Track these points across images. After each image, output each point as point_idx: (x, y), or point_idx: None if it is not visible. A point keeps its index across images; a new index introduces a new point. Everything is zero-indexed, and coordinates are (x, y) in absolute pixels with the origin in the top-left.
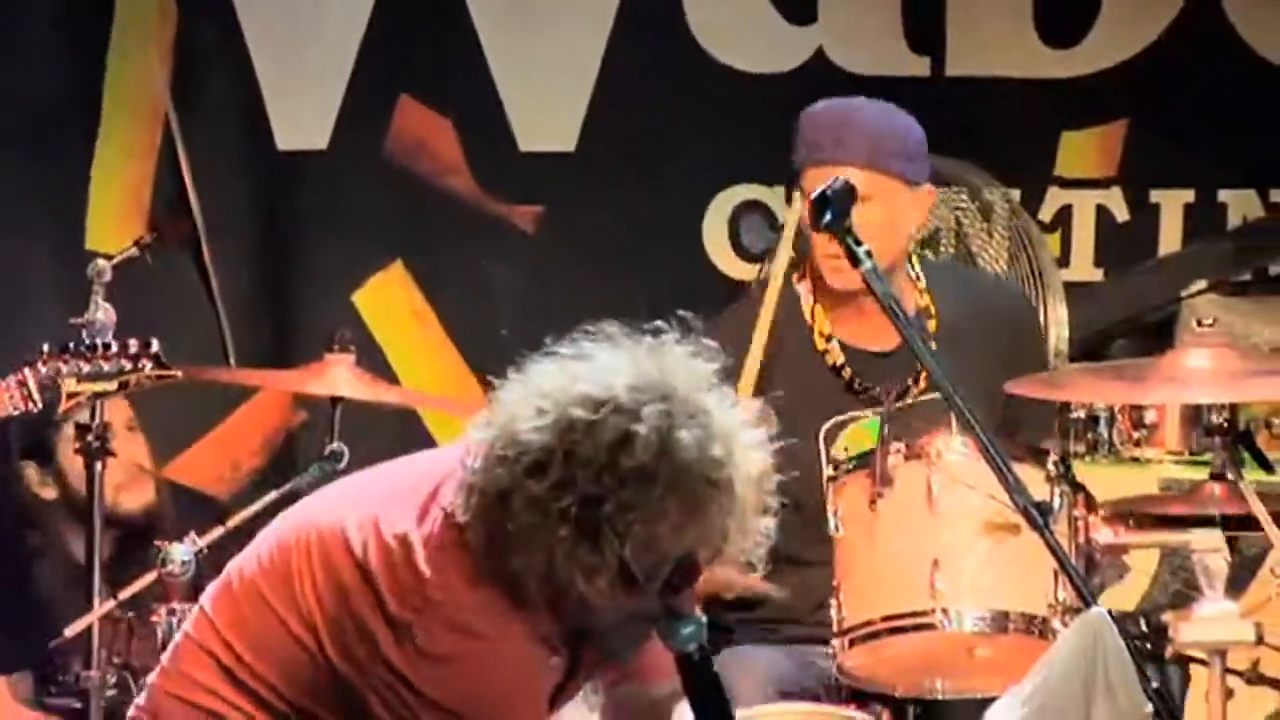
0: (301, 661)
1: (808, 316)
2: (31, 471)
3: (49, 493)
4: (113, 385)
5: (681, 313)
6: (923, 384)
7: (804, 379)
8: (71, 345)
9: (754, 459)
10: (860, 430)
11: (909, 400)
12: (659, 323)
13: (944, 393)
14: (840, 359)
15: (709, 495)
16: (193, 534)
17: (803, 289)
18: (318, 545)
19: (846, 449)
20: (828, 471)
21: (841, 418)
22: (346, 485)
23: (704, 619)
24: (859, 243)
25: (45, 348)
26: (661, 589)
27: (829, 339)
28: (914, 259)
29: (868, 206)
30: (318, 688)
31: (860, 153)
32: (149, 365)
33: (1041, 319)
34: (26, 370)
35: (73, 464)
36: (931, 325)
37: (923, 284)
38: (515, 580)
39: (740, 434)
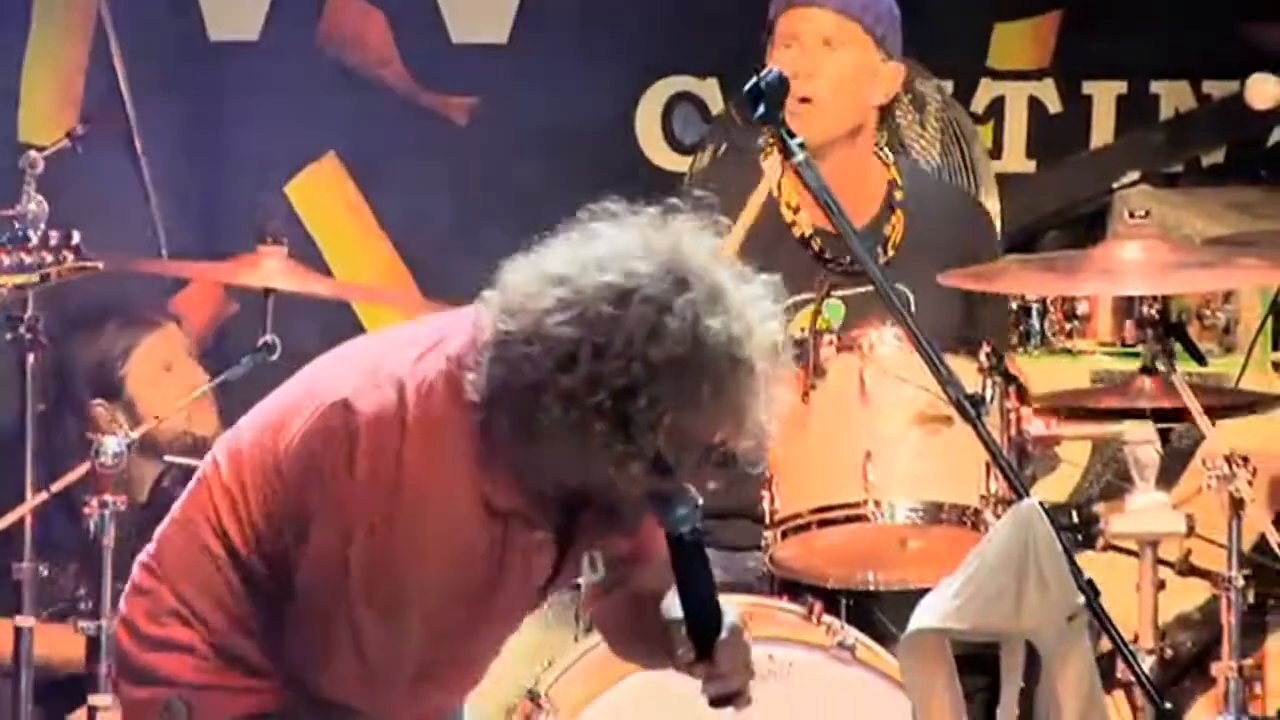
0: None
1: (775, 190)
2: None
3: None
4: (34, 277)
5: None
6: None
7: (771, 250)
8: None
9: (771, 331)
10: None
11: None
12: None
13: (874, 279)
14: (808, 230)
15: (736, 377)
16: (125, 426)
17: (770, 164)
18: (311, 404)
19: (803, 330)
20: None
21: (799, 297)
22: (346, 349)
23: (699, 500)
24: (792, 135)
25: None
26: (690, 473)
27: (796, 210)
28: (884, 146)
29: (837, 54)
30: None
31: None
32: (70, 257)
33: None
34: None
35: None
36: (899, 217)
37: (895, 168)
38: (534, 465)
39: (756, 308)
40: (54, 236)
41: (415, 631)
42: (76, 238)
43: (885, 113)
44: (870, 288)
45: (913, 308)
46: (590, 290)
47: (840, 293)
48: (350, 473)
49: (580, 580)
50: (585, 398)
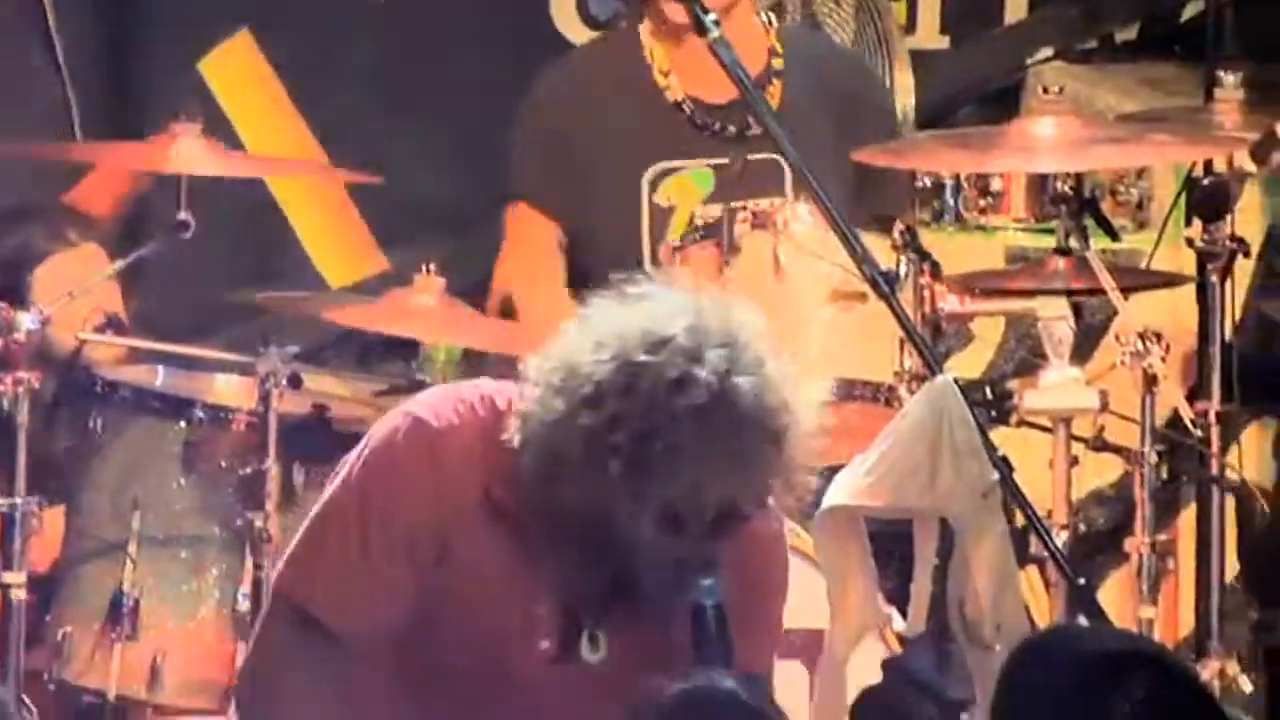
0: None
1: (648, 56)
2: None
3: None
4: None
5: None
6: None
7: (641, 114)
8: None
9: (809, 415)
10: (685, 181)
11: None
12: None
13: (788, 158)
14: (680, 95)
15: (760, 444)
16: (39, 303)
17: (644, 30)
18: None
19: (670, 199)
20: (673, 241)
21: (669, 164)
22: None
23: (722, 575)
24: (706, 10)
25: None
26: (701, 534)
27: (668, 75)
28: (766, 11)
29: None
30: None
31: None
32: None
33: (889, 90)
34: None
35: None
36: (777, 86)
37: (774, 34)
38: (559, 510)
39: (798, 389)
40: None
41: (346, 557)
42: None
43: None
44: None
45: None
46: (629, 335)
47: (710, 161)
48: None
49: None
50: (606, 435)
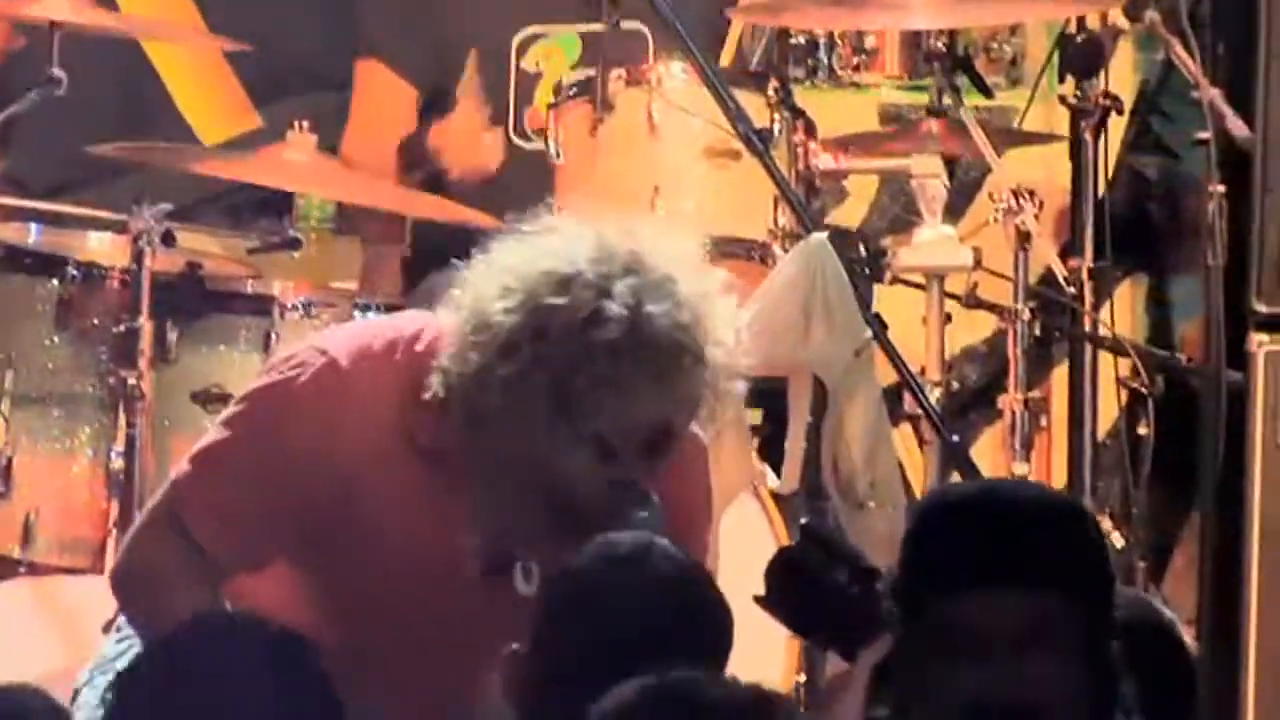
0: None
1: None
2: None
3: None
4: None
5: None
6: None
7: None
8: None
9: (725, 324)
10: (552, 47)
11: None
12: None
13: (660, 14)
14: None
15: (681, 365)
16: None
17: None
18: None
19: (537, 64)
20: (546, 99)
21: (537, 29)
22: None
23: (658, 505)
24: None
25: None
26: (634, 460)
27: None
28: None
29: None
30: None
31: None
32: None
33: None
34: None
35: None
36: None
37: None
38: (489, 454)
39: (710, 300)
40: None
41: (240, 483)
42: None
43: None
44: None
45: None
46: (534, 278)
47: (578, 27)
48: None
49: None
50: (525, 381)
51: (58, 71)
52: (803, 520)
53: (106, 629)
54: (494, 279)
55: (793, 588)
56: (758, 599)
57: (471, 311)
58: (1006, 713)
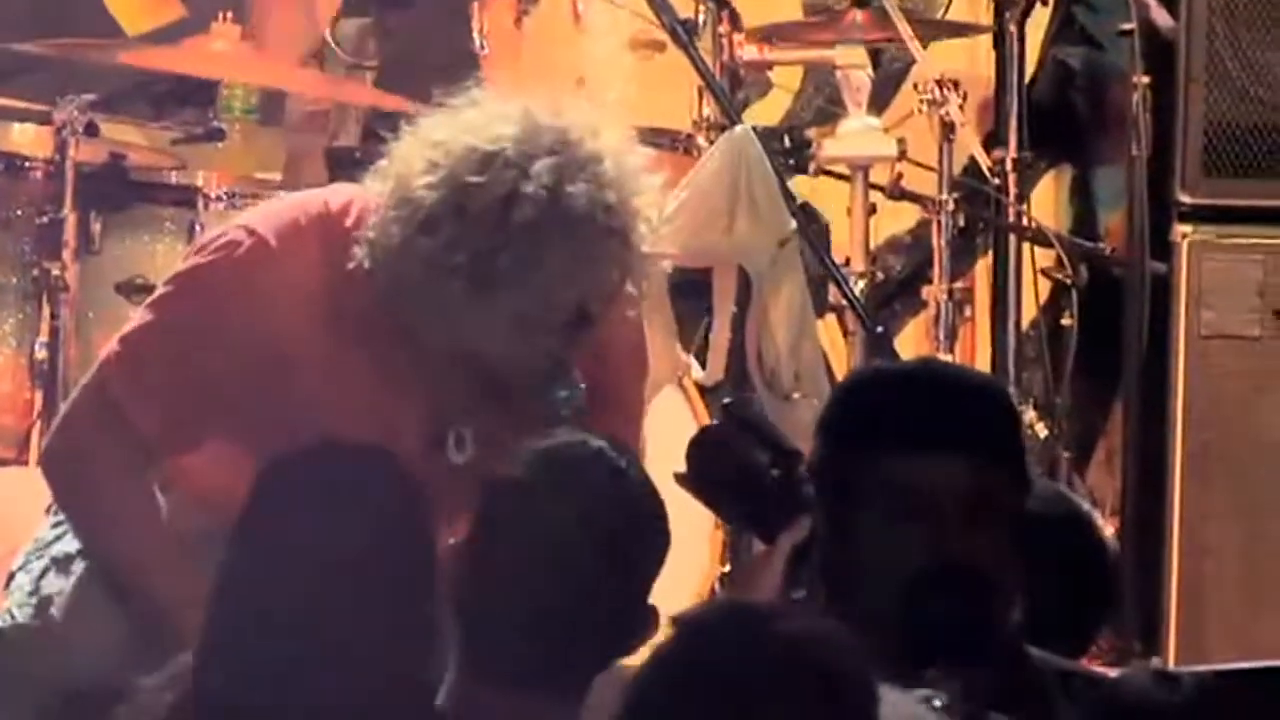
0: None
1: None
2: None
3: None
4: None
5: None
6: None
7: None
8: None
9: (648, 204)
10: None
11: None
12: None
13: None
14: None
15: (602, 245)
16: None
17: None
18: None
19: None
20: None
21: None
22: None
23: (581, 385)
24: None
25: None
26: (560, 336)
27: None
28: None
29: None
30: None
31: None
32: None
33: None
34: None
35: None
36: None
37: None
38: (416, 327)
39: (635, 179)
40: None
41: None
42: None
43: None
44: None
45: None
46: (458, 154)
47: None
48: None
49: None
50: (444, 258)
51: None
52: (725, 400)
53: (48, 512)
54: (419, 152)
55: (714, 467)
56: (678, 476)
57: (396, 184)
58: (958, 576)
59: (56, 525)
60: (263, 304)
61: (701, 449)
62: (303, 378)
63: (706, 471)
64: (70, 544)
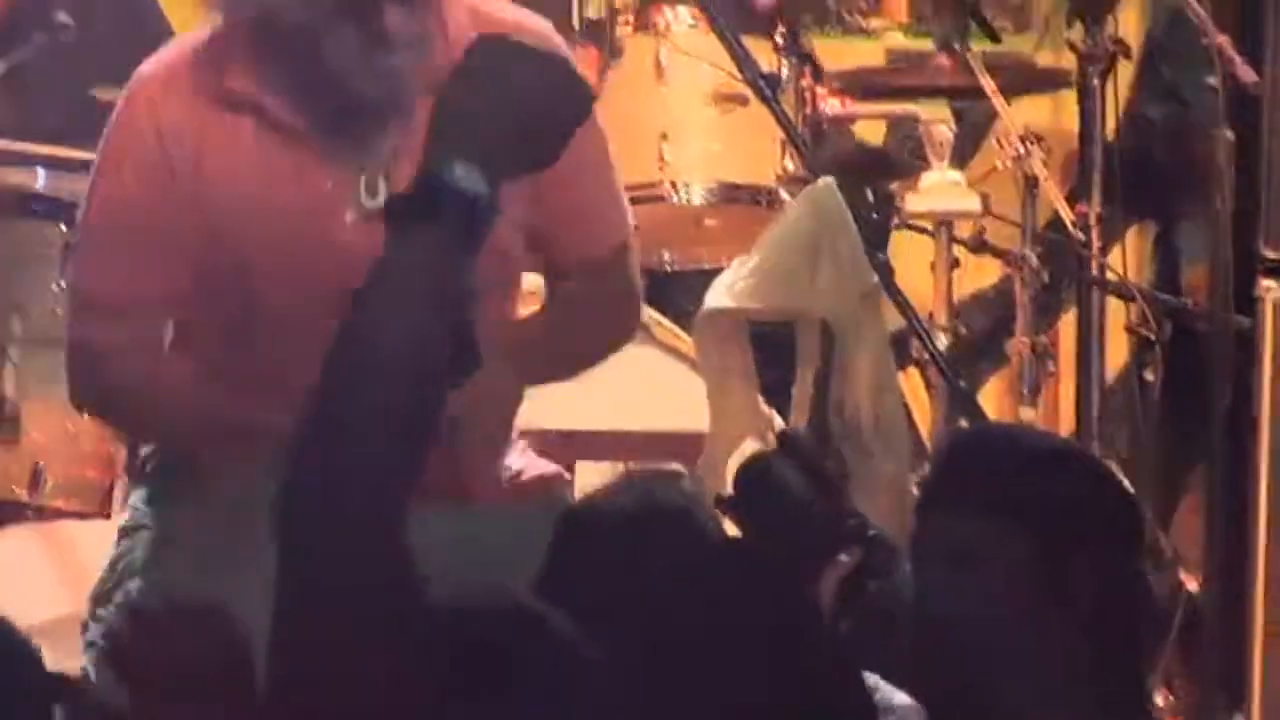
0: None
1: None
2: None
3: None
4: None
5: None
6: None
7: None
8: None
9: None
10: None
11: None
12: None
13: None
14: None
15: None
16: None
17: None
18: None
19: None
20: None
21: None
22: None
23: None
24: None
25: None
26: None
27: None
28: None
29: None
30: None
31: None
32: None
33: None
34: None
35: None
36: None
37: None
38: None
39: None
40: None
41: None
42: None
43: None
44: None
45: None
46: None
47: None
48: None
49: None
50: None
51: (63, 17)
52: (781, 428)
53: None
54: None
55: (757, 495)
56: (719, 502)
57: None
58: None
59: (108, 573)
60: (155, 129)
61: (746, 476)
62: (222, 187)
63: (750, 500)
64: (133, 584)
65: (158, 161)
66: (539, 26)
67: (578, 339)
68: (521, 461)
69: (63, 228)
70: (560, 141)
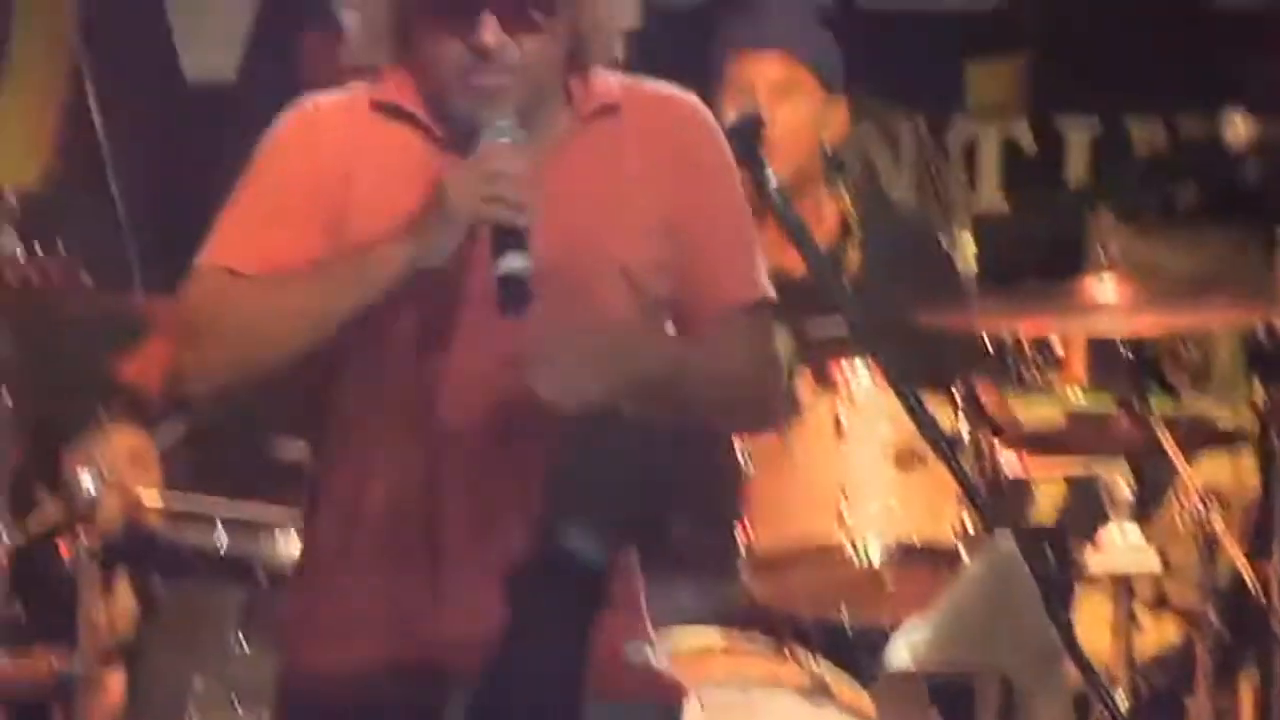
0: None
1: None
2: None
3: None
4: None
5: None
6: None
7: None
8: None
9: None
10: None
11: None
12: None
13: (849, 319)
14: None
15: None
16: (98, 462)
17: None
18: None
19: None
20: None
21: None
22: None
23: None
24: (767, 175)
25: None
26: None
27: None
28: (840, 181)
29: (787, 98)
30: None
31: (784, 40)
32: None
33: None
34: None
35: None
36: (848, 251)
37: (845, 200)
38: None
39: None
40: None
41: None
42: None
43: (833, 151)
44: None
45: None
46: None
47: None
48: None
49: None
50: None
51: None
52: None
53: None
54: None
55: None
56: None
57: None
58: None
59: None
60: (305, 137)
61: None
62: (374, 202)
63: None
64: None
65: (314, 165)
66: (687, 99)
67: (714, 380)
68: (651, 657)
69: (242, 586)
70: (669, 514)
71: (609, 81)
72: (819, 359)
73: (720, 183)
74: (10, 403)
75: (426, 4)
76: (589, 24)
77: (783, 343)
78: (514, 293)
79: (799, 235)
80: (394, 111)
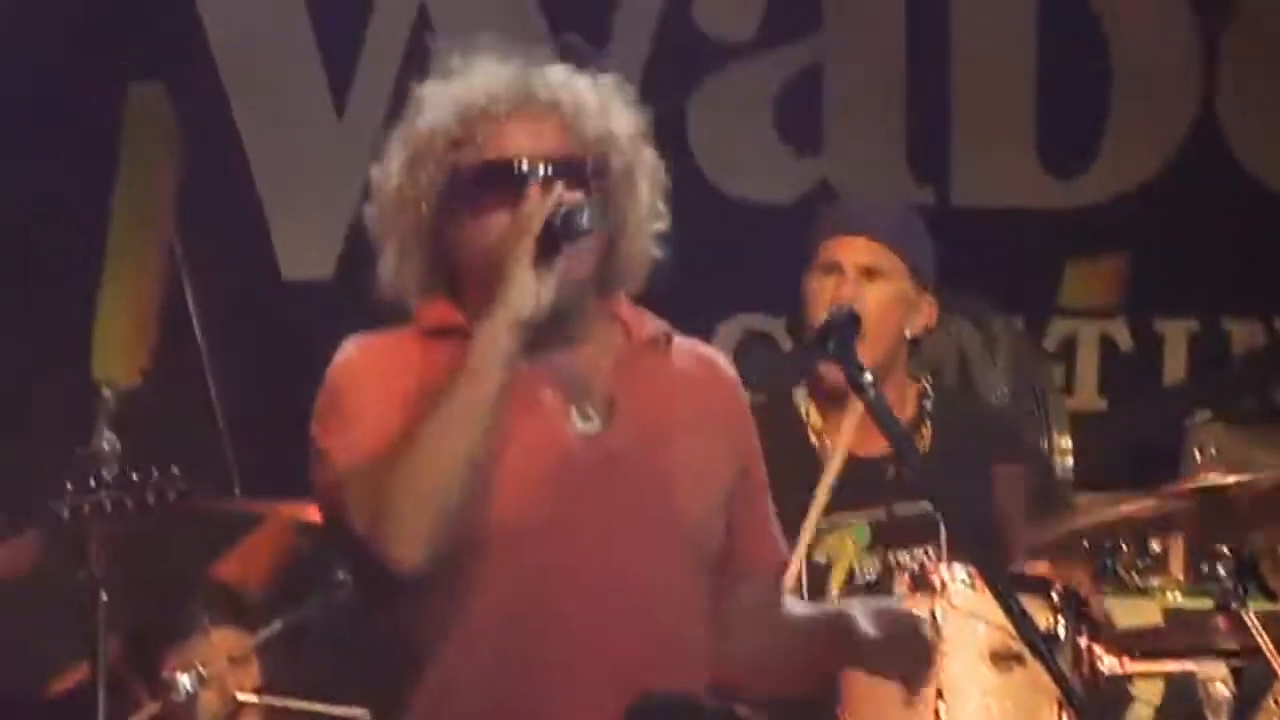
0: None
1: (802, 413)
2: None
3: None
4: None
5: None
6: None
7: (795, 475)
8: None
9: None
10: (842, 538)
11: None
12: None
13: (945, 516)
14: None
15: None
16: (197, 664)
17: (799, 392)
18: None
19: (828, 556)
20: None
21: (823, 525)
22: None
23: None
24: (862, 370)
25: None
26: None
27: (821, 435)
28: (924, 377)
29: (877, 283)
30: None
31: (876, 226)
32: (153, 496)
33: (1045, 449)
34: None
35: None
36: (925, 434)
37: (926, 390)
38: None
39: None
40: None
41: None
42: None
43: (916, 343)
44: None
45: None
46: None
47: (866, 516)
48: None
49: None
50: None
51: (342, 575)
52: None
53: None
54: None
55: None
56: None
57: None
58: None
59: None
60: (366, 360)
61: None
62: None
63: None
64: None
65: (385, 379)
66: (718, 354)
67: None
68: None
69: None
70: None
71: (649, 316)
72: (897, 541)
73: (755, 444)
74: (106, 599)
75: (472, 185)
76: (623, 248)
77: (865, 530)
78: (572, 221)
79: (892, 429)
80: (443, 333)
